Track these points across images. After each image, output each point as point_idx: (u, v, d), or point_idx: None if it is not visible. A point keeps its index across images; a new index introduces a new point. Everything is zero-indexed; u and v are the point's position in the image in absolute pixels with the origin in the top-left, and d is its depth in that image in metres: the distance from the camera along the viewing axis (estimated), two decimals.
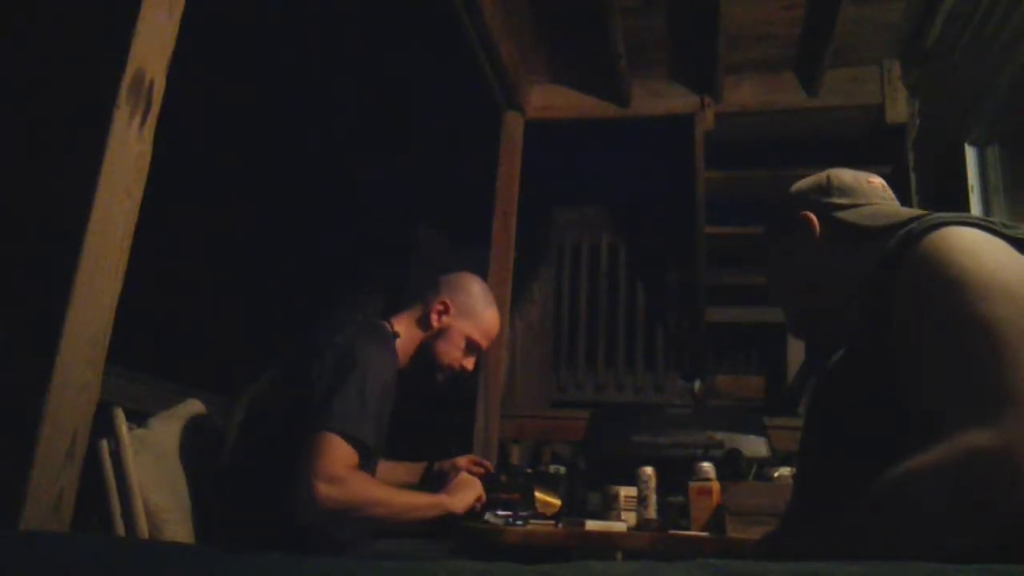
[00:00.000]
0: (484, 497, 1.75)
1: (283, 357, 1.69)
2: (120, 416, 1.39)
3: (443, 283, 1.87)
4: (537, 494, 1.97)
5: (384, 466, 1.91)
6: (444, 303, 1.82)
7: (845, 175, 1.19)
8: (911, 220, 1.00)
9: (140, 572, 0.56)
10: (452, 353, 1.82)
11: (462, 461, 1.96)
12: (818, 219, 1.15)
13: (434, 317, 1.81)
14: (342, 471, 1.42)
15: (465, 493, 1.68)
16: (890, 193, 1.18)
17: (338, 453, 1.43)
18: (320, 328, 1.69)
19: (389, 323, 1.80)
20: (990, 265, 0.87)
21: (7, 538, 0.65)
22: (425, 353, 1.81)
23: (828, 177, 1.19)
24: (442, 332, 1.81)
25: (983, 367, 0.79)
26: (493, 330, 1.89)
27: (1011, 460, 0.73)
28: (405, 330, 1.80)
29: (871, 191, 1.17)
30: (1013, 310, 0.81)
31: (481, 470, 1.92)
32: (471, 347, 1.85)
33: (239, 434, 1.60)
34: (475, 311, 1.84)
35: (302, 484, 1.39)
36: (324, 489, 1.39)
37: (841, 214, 1.14)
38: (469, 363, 1.87)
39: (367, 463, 1.56)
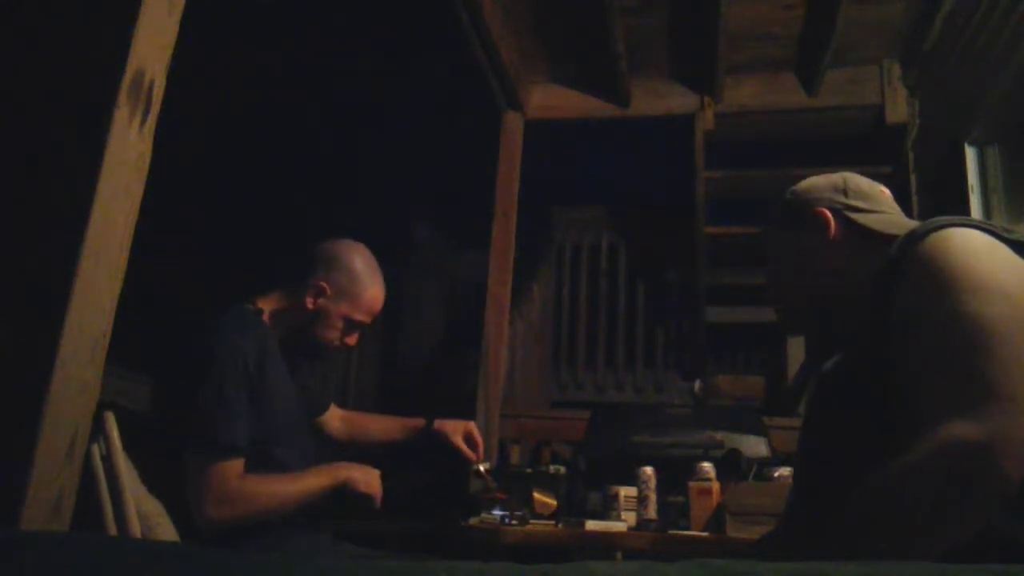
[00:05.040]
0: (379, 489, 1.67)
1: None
2: (111, 420, 1.38)
3: (320, 260, 1.76)
4: (535, 494, 1.97)
5: (376, 420, 2.01)
6: (320, 286, 1.73)
7: (861, 180, 1.21)
8: None
9: (140, 572, 0.56)
10: (330, 334, 1.76)
11: (465, 427, 1.99)
12: (833, 218, 1.17)
13: (308, 301, 1.73)
14: (227, 488, 1.46)
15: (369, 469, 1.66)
16: (896, 206, 1.21)
17: (215, 475, 1.46)
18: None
19: (252, 302, 1.73)
20: (987, 265, 0.88)
21: (7, 538, 0.65)
22: (302, 334, 1.76)
23: (845, 179, 1.21)
24: (318, 315, 1.74)
25: (971, 362, 0.81)
26: (376, 306, 1.81)
27: (992, 452, 0.74)
28: (271, 307, 1.74)
29: (884, 200, 1.19)
30: (1006, 309, 0.83)
31: (472, 454, 1.97)
32: (351, 326, 1.79)
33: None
34: (354, 292, 1.75)
35: (194, 510, 1.45)
36: (213, 512, 1.45)
37: (859, 217, 1.15)
38: (351, 340, 1.81)
39: (281, 446, 1.60)
